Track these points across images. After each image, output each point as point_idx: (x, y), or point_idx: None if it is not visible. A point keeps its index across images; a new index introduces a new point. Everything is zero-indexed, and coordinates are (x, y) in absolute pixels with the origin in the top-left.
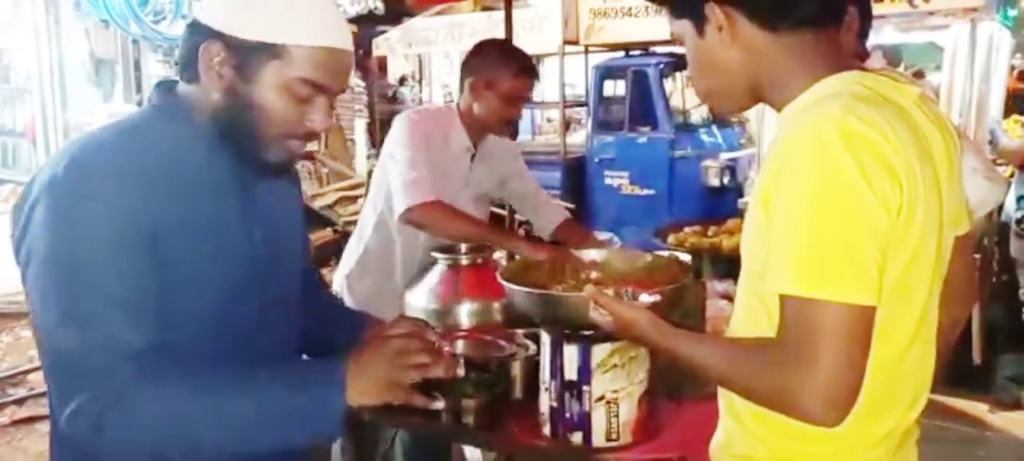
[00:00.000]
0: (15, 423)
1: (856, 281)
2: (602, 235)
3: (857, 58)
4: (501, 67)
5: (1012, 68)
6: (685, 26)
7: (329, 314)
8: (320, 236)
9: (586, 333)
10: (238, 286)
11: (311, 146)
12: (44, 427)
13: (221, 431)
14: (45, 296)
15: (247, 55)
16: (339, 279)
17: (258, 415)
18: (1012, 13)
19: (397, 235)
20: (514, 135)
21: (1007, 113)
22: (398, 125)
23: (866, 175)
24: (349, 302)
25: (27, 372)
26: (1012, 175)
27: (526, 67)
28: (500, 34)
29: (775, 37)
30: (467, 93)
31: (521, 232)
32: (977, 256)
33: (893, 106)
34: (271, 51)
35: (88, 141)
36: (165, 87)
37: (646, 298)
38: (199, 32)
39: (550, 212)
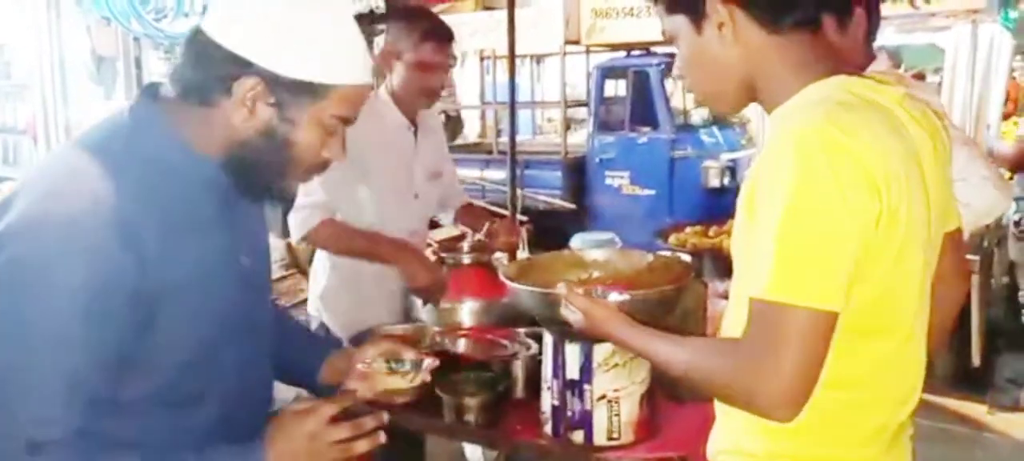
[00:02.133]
0: None
1: (822, 287)
2: (603, 235)
3: (865, 60)
4: (405, 35)
5: (1012, 70)
6: (681, 23)
7: (301, 341)
8: None
9: None
10: (228, 316)
11: None
12: None
13: None
14: None
15: (291, 94)
16: (313, 301)
17: None
18: (1013, 15)
19: None
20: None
21: (1006, 115)
22: None
23: (842, 186)
24: (329, 322)
25: None
26: (1011, 178)
27: (432, 31)
28: (502, 33)
29: (774, 37)
30: (384, 68)
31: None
32: (977, 258)
33: (877, 110)
34: (315, 91)
35: (60, 179)
36: (152, 94)
37: (615, 297)
38: (226, 58)
39: (455, 196)
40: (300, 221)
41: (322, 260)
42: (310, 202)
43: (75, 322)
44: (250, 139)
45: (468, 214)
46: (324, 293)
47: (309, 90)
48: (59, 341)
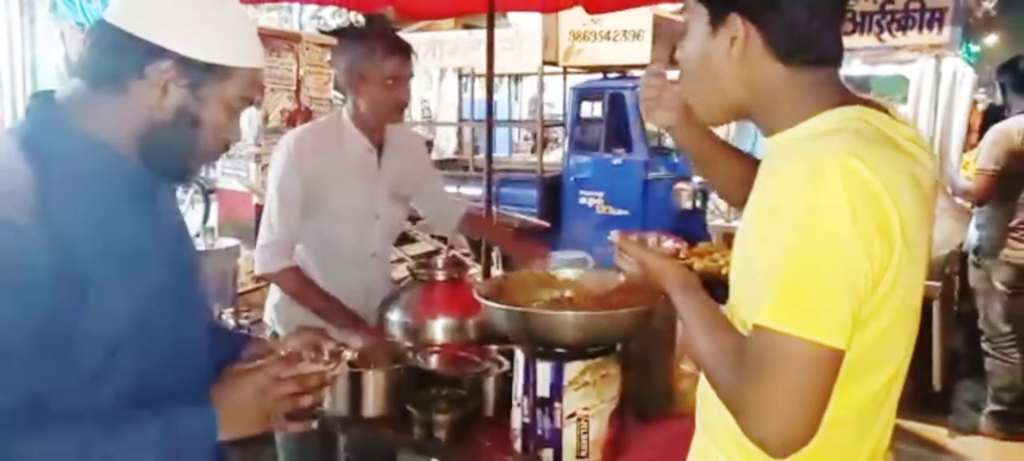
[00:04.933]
0: None
1: (826, 321)
2: (575, 254)
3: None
4: (366, 57)
5: (974, 102)
6: (701, 15)
7: (219, 335)
8: None
9: (559, 351)
10: (158, 294)
11: None
12: None
13: None
14: None
15: (201, 75)
16: (268, 310)
17: None
18: (975, 49)
19: (308, 259)
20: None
21: (966, 147)
22: (275, 155)
23: (857, 219)
24: (283, 332)
25: None
26: (971, 208)
27: (392, 47)
28: (481, 52)
29: (783, 70)
30: (348, 94)
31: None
32: (938, 284)
33: (892, 145)
34: (222, 73)
35: None
36: (45, 98)
37: (670, 244)
38: (137, 44)
39: (451, 209)
40: (263, 261)
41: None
42: (272, 240)
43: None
44: (163, 120)
45: (473, 224)
46: (279, 303)
47: (217, 72)
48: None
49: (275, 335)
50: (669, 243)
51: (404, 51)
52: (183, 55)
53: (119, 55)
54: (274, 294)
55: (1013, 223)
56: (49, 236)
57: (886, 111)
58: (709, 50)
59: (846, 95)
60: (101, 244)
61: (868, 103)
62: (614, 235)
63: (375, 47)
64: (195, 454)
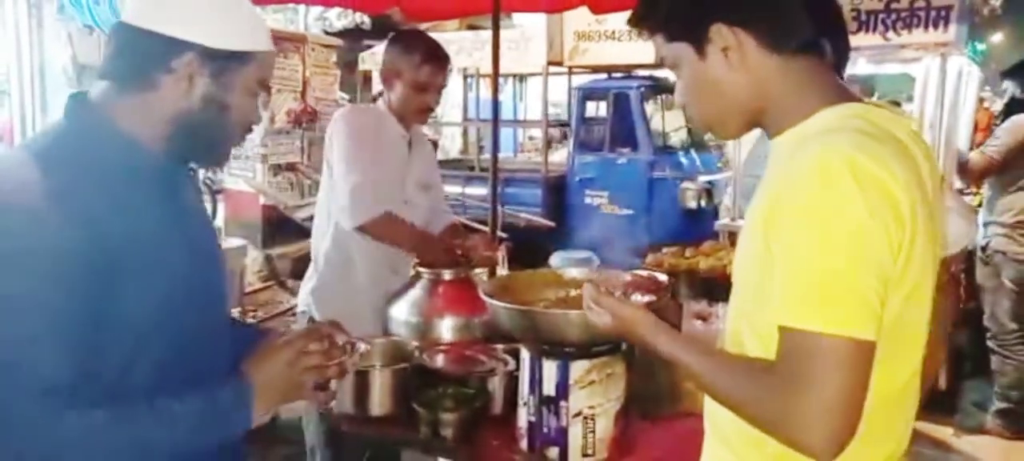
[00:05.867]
0: None
1: (858, 315)
2: (581, 254)
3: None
4: (405, 57)
5: (980, 100)
6: (683, 50)
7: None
8: (301, 247)
9: (565, 350)
10: (184, 280)
11: (293, 158)
12: None
13: (139, 458)
14: None
15: (222, 63)
16: (304, 296)
17: (172, 441)
18: (981, 48)
19: (353, 243)
20: (423, 122)
21: (972, 146)
22: (333, 128)
23: (872, 211)
24: (318, 316)
25: None
26: (980, 205)
27: (430, 55)
28: (487, 53)
29: (779, 61)
30: (384, 86)
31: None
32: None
33: (894, 141)
34: (241, 59)
35: (18, 167)
36: (80, 100)
37: (639, 299)
38: (162, 41)
39: (441, 215)
40: (363, 205)
41: (319, 256)
42: (361, 182)
43: (47, 284)
44: (192, 109)
45: (452, 235)
46: (316, 288)
47: (236, 58)
48: (37, 302)
49: (311, 320)
50: (637, 297)
51: (441, 61)
52: (204, 45)
53: (144, 53)
54: (311, 279)
55: (1021, 220)
56: (86, 226)
57: (885, 108)
58: (706, 73)
59: (844, 93)
60: (132, 233)
61: (864, 101)
62: (586, 287)
63: (414, 51)
64: (233, 425)
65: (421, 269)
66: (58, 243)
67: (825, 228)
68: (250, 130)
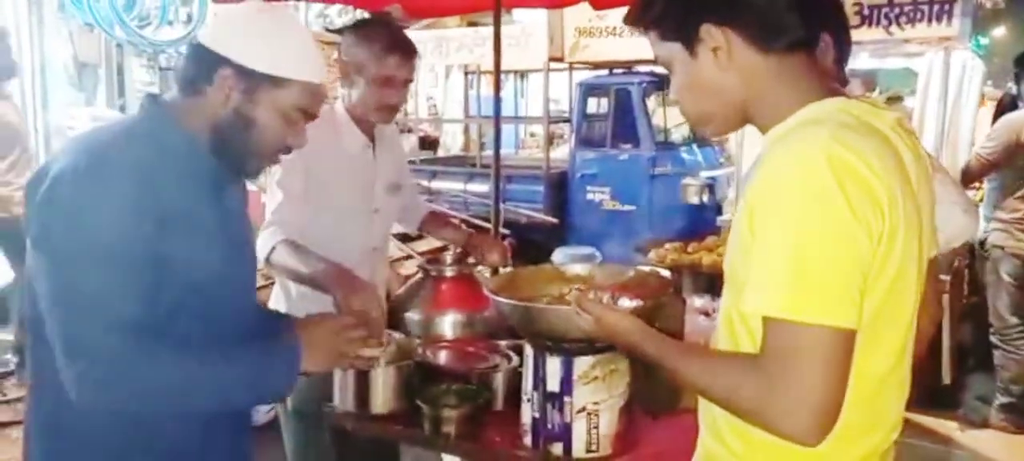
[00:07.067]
0: None
1: (839, 304)
2: (584, 250)
3: (838, 84)
4: (366, 47)
5: (983, 94)
6: (675, 49)
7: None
8: None
9: (569, 345)
10: (220, 256)
11: None
12: (15, 432)
13: (205, 393)
14: (57, 271)
15: (254, 82)
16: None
17: (235, 379)
18: (984, 42)
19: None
20: (389, 119)
21: (975, 140)
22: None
23: (851, 201)
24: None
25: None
26: (982, 200)
27: (394, 44)
28: (488, 49)
29: (768, 59)
30: (344, 84)
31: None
32: (947, 278)
33: (876, 133)
34: (275, 82)
35: (99, 138)
36: (154, 98)
37: (626, 303)
38: (210, 56)
39: (417, 207)
40: (264, 239)
41: (278, 291)
42: (274, 220)
43: (123, 236)
44: (225, 118)
45: (434, 222)
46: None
47: (269, 80)
48: (114, 249)
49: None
50: (625, 301)
51: (407, 52)
52: (240, 64)
53: (198, 65)
54: (282, 296)
55: (1019, 215)
56: (151, 192)
57: (867, 101)
58: (698, 72)
59: (829, 89)
60: (182, 202)
61: (848, 96)
62: (573, 294)
63: (376, 41)
64: (282, 379)
65: (425, 266)
66: (131, 203)
67: (804, 219)
68: (285, 151)
